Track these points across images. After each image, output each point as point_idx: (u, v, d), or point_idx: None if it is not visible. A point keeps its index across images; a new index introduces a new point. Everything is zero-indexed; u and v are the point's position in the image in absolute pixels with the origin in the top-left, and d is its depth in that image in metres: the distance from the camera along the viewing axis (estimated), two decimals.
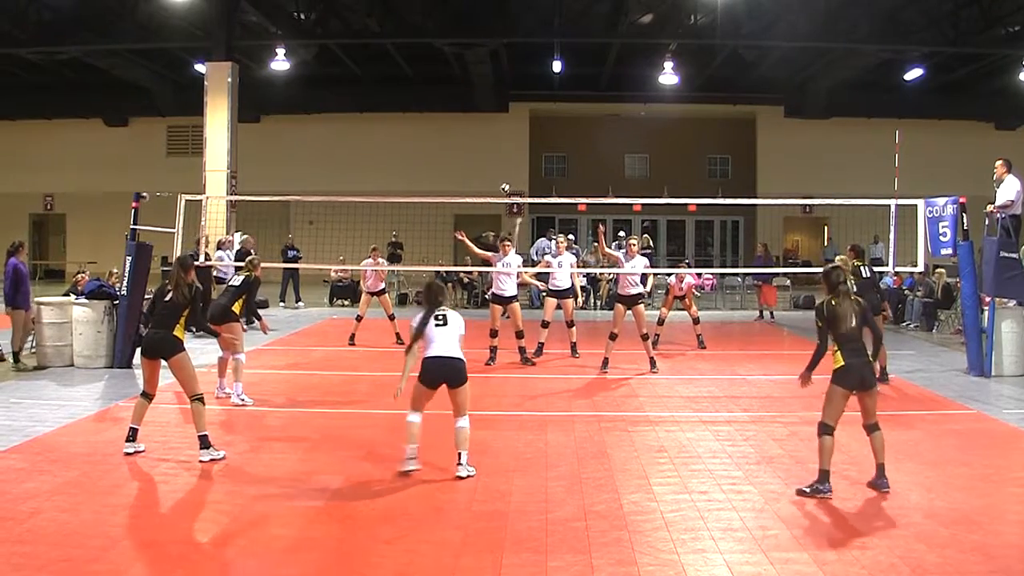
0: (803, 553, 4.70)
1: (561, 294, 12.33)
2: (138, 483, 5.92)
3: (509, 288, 11.42)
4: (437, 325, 6.34)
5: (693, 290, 14.01)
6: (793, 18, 19.21)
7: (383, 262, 12.50)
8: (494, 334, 11.28)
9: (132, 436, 6.67)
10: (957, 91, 25.42)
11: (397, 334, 12.80)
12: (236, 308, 8.92)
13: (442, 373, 6.20)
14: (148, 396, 6.78)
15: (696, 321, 13.33)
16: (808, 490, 5.71)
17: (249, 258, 9.70)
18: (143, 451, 6.65)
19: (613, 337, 10.78)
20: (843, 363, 5.87)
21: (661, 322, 13.19)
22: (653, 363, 10.83)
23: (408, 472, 6.13)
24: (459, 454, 6.15)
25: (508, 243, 11.60)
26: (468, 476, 6.05)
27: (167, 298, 6.81)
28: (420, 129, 27.10)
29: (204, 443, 6.51)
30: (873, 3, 19.06)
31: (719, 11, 18.99)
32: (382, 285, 13.60)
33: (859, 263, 9.76)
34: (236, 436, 7.45)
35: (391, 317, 13.15)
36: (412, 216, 18.95)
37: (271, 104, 25.82)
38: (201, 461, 6.43)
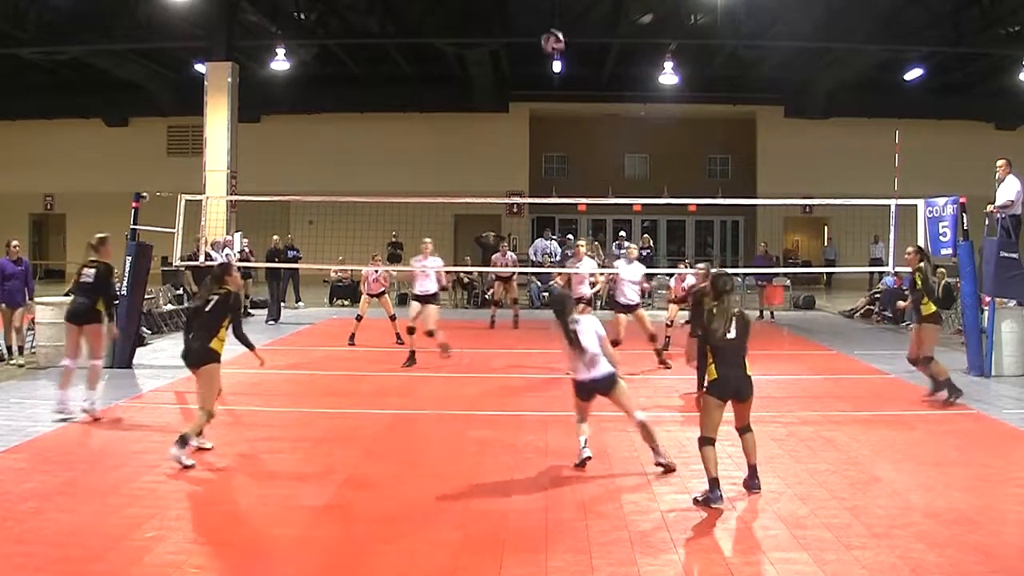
0: (803, 553, 4.70)
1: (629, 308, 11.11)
2: (138, 483, 5.91)
3: (431, 288, 11.37)
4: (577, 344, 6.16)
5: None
6: (793, 18, 19.20)
7: (435, 260, 12.02)
8: (411, 331, 11.17)
9: (184, 442, 6.30)
10: (957, 91, 25.42)
11: (397, 334, 12.77)
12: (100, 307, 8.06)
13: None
14: (711, 441, 5.86)
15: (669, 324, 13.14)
16: (701, 499, 5.52)
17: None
18: (192, 467, 6.25)
19: (616, 344, 10.54)
20: (716, 375, 5.77)
21: (671, 323, 12.87)
22: (664, 361, 10.71)
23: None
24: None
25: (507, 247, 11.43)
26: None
27: (208, 308, 6.67)
28: (420, 129, 27.08)
29: (183, 442, 6.25)
30: (873, 3, 19.05)
31: (719, 11, 18.98)
32: (383, 288, 13.52)
33: (922, 262, 9.27)
34: (236, 436, 7.45)
35: (392, 318, 13.10)
36: (412, 216, 18.94)
37: (271, 104, 25.80)
38: (170, 453, 6.20)
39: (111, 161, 26.95)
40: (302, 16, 20.70)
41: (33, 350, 11.19)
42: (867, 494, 5.77)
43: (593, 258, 10.97)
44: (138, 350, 11.30)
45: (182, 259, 12.91)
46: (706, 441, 5.70)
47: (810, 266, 25.11)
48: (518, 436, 7.38)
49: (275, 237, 17.63)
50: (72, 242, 27.94)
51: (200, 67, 20.03)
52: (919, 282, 8.99)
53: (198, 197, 13.43)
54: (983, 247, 10.74)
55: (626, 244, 21.05)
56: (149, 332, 13.56)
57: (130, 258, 11.02)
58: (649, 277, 11.08)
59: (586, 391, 6.34)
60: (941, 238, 11.12)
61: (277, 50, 20.48)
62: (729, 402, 5.86)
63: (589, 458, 6.30)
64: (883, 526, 5.12)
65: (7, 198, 27.44)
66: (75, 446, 6.95)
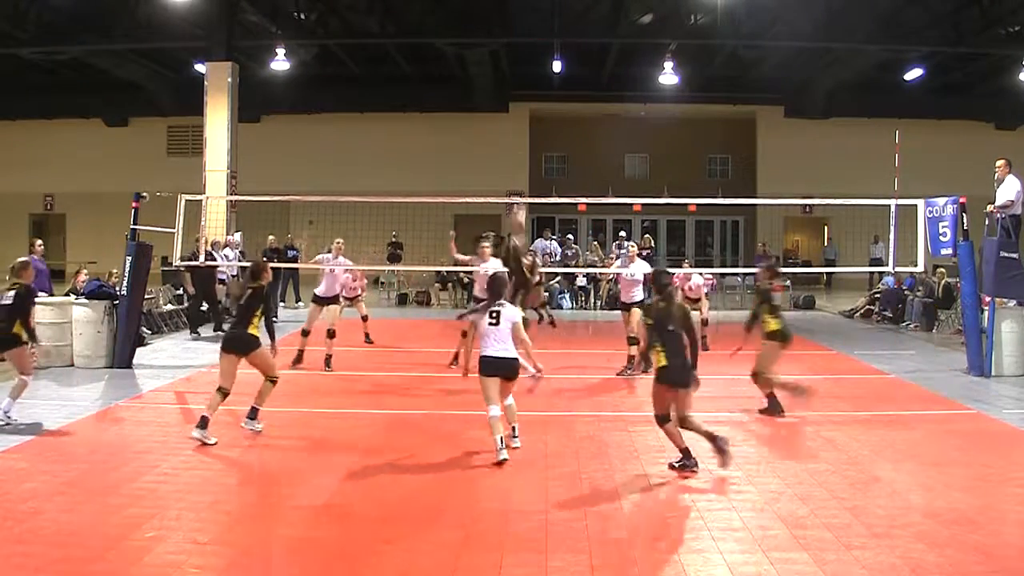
0: (803, 553, 4.70)
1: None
2: (138, 483, 5.91)
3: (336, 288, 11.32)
4: (491, 323, 6.69)
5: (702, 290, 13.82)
6: (793, 18, 19.19)
7: (344, 260, 11.65)
8: (332, 334, 10.88)
9: (203, 424, 6.96)
10: (957, 91, 25.41)
11: (367, 334, 12.76)
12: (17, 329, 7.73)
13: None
14: (224, 392, 7.09)
15: (705, 323, 13.21)
16: (677, 464, 6.28)
17: (255, 261, 9.09)
18: (213, 444, 6.87)
19: (633, 341, 10.44)
20: (665, 363, 6.32)
21: (705, 323, 12.78)
22: (631, 362, 10.58)
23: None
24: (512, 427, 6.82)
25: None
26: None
27: (242, 300, 7.50)
28: (420, 129, 27.07)
29: (252, 413, 7.38)
30: (873, 3, 19.04)
31: (719, 11, 18.98)
32: (360, 291, 12.96)
33: (773, 280, 9.13)
34: (236, 436, 7.45)
35: (364, 318, 12.97)
36: (412, 216, 18.93)
37: (271, 104, 25.80)
38: (242, 426, 7.30)
39: (111, 161, 26.94)
40: (302, 16, 20.70)
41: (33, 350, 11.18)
42: (867, 494, 5.78)
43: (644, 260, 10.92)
44: (138, 350, 11.29)
45: (182, 259, 12.89)
46: (661, 420, 6.37)
47: (810, 266, 25.09)
48: (518, 436, 7.36)
49: (271, 237, 17.61)
50: (72, 242, 27.96)
51: (200, 67, 20.03)
52: (760, 299, 8.79)
53: (198, 197, 13.41)
54: (983, 247, 10.74)
55: (627, 244, 21.09)
56: (149, 332, 13.56)
57: (130, 258, 11.01)
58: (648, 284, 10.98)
59: (493, 368, 6.65)
60: (941, 238, 11.11)
61: (277, 50, 20.48)
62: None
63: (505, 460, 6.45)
64: (883, 526, 5.12)
65: (7, 198, 27.44)
66: (75, 446, 6.95)
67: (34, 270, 8.37)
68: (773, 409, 8.46)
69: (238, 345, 7.29)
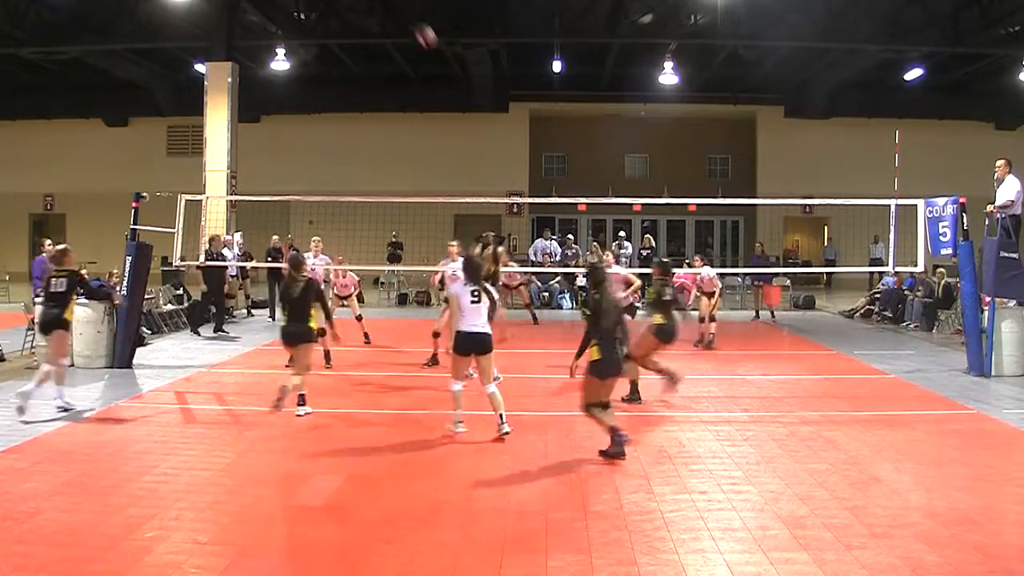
0: (803, 553, 4.70)
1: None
2: (138, 483, 5.91)
3: None
4: (473, 301, 7.21)
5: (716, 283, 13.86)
6: (793, 18, 19.20)
7: (324, 259, 11.78)
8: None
9: (303, 401, 8.00)
10: (957, 91, 25.41)
11: (365, 334, 12.76)
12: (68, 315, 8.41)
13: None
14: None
15: (712, 319, 13.31)
16: (610, 451, 6.48)
17: (292, 255, 9.41)
18: (311, 413, 7.96)
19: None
20: (599, 356, 6.56)
21: (712, 319, 13.25)
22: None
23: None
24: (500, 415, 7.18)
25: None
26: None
27: (297, 295, 8.03)
28: (420, 129, 27.08)
29: (301, 400, 8.00)
30: (873, 3, 19.05)
31: (719, 11, 18.98)
32: (352, 289, 12.91)
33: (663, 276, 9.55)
34: (236, 436, 7.45)
35: (358, 318, 12.96)
36: (412, 216, 18.95)
37: (271, 104, 25.80)
38: (297, 415, 7.89)
39: (111, 161, 26.95)
40: (302, 16, 20.69)
41: (33, 350, 11.19)
42: (867, 494, 5.78)
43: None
44: (138, 350, 11.30)
45: (183, 259, 12.91)
46: (591, 407, 6.63)
47: (810, 266, 25.09)
48: (518, 436, 7.37)
49: (275, 237, 17.62)
50: (72, 242, 27.92)
51: (200, 67, 20.03)
52: (652, 297, 9.44)
53: (198, 197, 13.42)
54: (983, 247, 10.74)
55: (626, 244, 21.11)
56: (149, 332, 13.56)
57: (130, 258, 11.01)
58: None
59: (470, 343, 7.22)
60: (941, 238, 11.11)
61: (277, 50, 20.48)
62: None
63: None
64: (883, 526, 5.12)
65: (7, 198, 27.45)
66: (75, 446, 6.95)
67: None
68: (633, 397, 8.95)
69: (295, 339, 8.09)
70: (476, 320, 7.21)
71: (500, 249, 9.76)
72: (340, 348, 11.73)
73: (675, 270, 13.82)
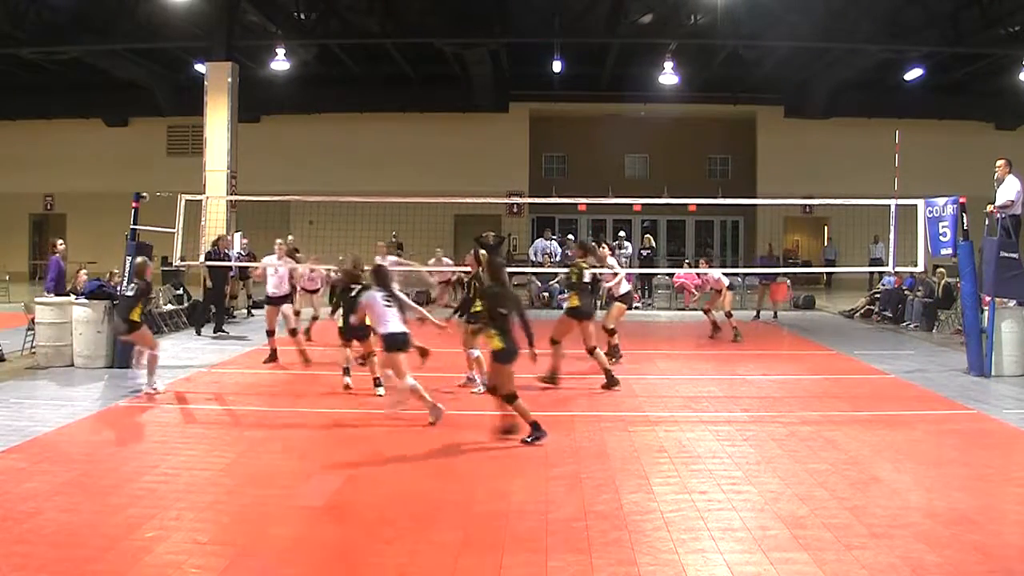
0: (803, 553, 4.70)
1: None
2: (138, 483, 5.91)
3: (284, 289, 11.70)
4: (386, 305, 7.78)
5: (693, 289, 14.37)
6: (793, 18, 19.19)
7: (288, 261, 12.10)
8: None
9: (378, 382, 8.89)
10: (957, 91, 25.40)
11: (308, 330, 12.89)
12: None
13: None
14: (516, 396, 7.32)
15: (729, 315, 14.01)
16: (529, 440, 6.91)
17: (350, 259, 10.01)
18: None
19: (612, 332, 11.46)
20: (503, 346, 6.99)
21: (729, 315, 14.00)
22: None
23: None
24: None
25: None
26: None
27: (353, 294, 8.86)
28: (420, 129, 27.07)
29: (377, 383, 8.92)
30: (873, 3, 19.05)
31: (719, 11, 18.97)
32: (319, 284, 13.04)
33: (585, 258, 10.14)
34: (236, 436, 7.45)
35: (314, 318, 13.15)
36: (412, 216, 18.92)
37: (271, 104, 25.79)
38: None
39: (111, 161, 26.94)
40: (302, 16, 20.69)
41: (33, 350, 11.19)
42: (867, 494, 5.77)
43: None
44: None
45: (183, 259, 12.92)
46: (509, 397, 7.02)
47: (810, 266, 25.09)
48: (518, 436, 7.37)
49: (291, 237, 17.60)
50: (72, 242, 27.94)
51: (200, 67, 20.02)
52: (574, 277, 9.84)
53: (198, 197, 13.41)
54: (983, 247, 10.74)
55: (626, 244, 21.13)
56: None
57: (130, 258, 11.00)
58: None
59: (399, 343, 7.76)
60: (941, 238, 11.11)
61: (277, 50, 20.47)
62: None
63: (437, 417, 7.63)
64: (883, 526, 5.12)
65: (7, 198, 27.43)
66: (75, 446, 6.95)
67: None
68: (551, 379, 9.53)
69: (359, 335, 9.10)
70: (397, 321, 7.77)
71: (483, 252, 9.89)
72: (336, 347, 11.71)
73: (675, 270, 13.98)
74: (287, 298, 11.66)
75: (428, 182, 24.94)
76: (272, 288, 11.52)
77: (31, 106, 26.88)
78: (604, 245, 14.30)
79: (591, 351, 9.60)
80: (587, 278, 9.87)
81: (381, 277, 8.14)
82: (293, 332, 11.36)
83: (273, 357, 11.25)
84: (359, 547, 4.90)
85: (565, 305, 9.73)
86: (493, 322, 7.12)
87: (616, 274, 11.73)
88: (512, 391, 7.04)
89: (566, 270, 19.62)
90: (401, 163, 26.60)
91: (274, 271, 11.55)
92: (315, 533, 5.08)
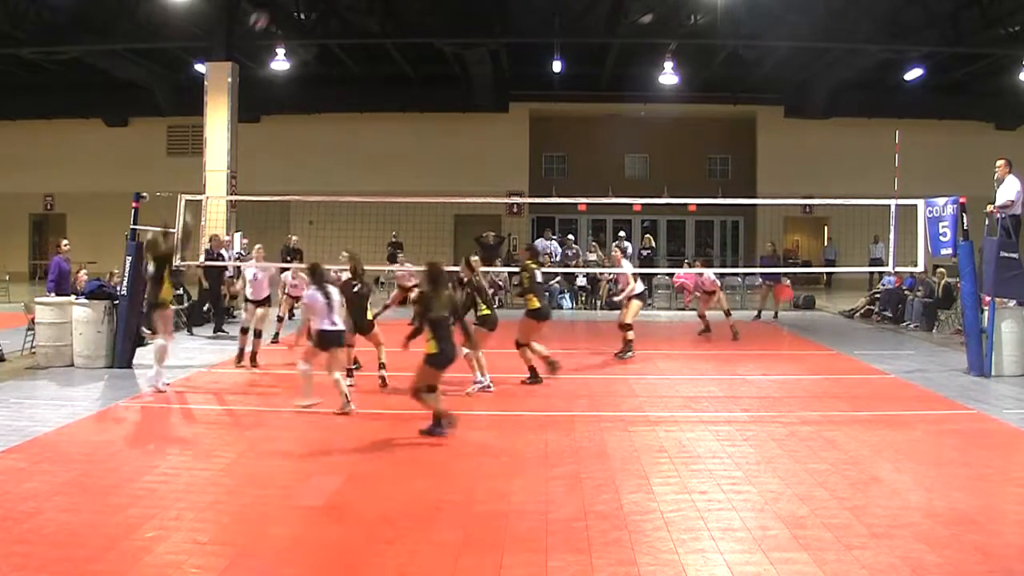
0: (803, 553, 4.70)
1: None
2: (138, 483, 5.91)
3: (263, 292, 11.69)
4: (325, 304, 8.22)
5: (693, 289, 14.66)
6: (793, 18, 19.18)
7: (261, 265, 11.99)
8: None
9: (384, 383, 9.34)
10: (957, 91, 25.39)
11: (277, 334, 12.93)
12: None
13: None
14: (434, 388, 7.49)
15: (728, 313, 14.46)
16: (426, 430, 7.11)
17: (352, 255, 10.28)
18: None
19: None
20: (436, 349, 7.16)
21: (728, 313, 14.46)
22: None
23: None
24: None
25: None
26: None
27: (356, 290, 9.17)
28: (420, 129, 27.07)
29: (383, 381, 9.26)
30: (873, 3, 19.04)
31: (719, 11, 18.96)
32: (267, 292, 12.15)
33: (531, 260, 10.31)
34: (236, 436, 7.45)
35: (279, 318, 13.21)
36: (412, 216, 18.94)
37: (271, 104, 25.77)
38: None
39: (111, 161, 26.92)
40: (302, 16, 20.68)
41: (33, 350, 11.19)
42: (867, 494, 5.77)
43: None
44: (138, 350, 11.29)
45: (183, 259, 12.93)
46: (429, 388, 7.19)
47: (810, 266, 25.09)
48: (518, 436, 7.38)
49: (295, 237, 17.62)
50: (72, 242, 27.87)
51: (200, 67, 20.02)
52: (526, 281, 9.96)
53: (198, 197, 13.41)
54: (983, 247, 10.74)
55: (626, 244, 21.13)
56: (149, 332, 13.54)
57: (130, 258, 11.01)
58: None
59: (332, 339, 8.24)
60: (941, 238, 11.11)
61: (277, 50, 20.47)
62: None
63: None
64: (883, 526, 5.12)
65: (7, 198, 27.42)
66: (75, 446, 6.95)
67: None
68: (534, 379, 9.73)
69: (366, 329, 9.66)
70: (331, 319, 8.24)
71: (475, 258, 9.92)
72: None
73: (675, 270, 14.06)
74: (267, 300, 11.68)
75: (428, 182, 24.93)
76: (250, 294, 11.56)
77: (31, 106, 26.87)
78: (618, 249, 14.74)
79: (520, 347, 9.76)
80: (539, 278, 10.05)
81: (317, 276, 8.48)
82: (244, 330, 11.23)
83: (240, 357, 11.14)
84: (359, 547, 4.90)
85: (528, 306, 9.88)
86: (429, 325, 7.25)
87: (632, 276, 12.31)
88: (422, 385, 7.20)
89: (566, 270, 19.87)
90: (401, 163, 26.59)
91: (252, 277, 11.58)
92: (315, 533, 5.08)
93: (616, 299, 13.90)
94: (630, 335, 11.97)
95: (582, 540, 4.89)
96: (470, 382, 9.34)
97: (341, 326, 8.37)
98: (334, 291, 8.48)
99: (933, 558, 4.62)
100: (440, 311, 7.30)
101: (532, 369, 9.77)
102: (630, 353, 11.87)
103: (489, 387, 9.27)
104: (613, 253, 13.35)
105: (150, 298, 9.83)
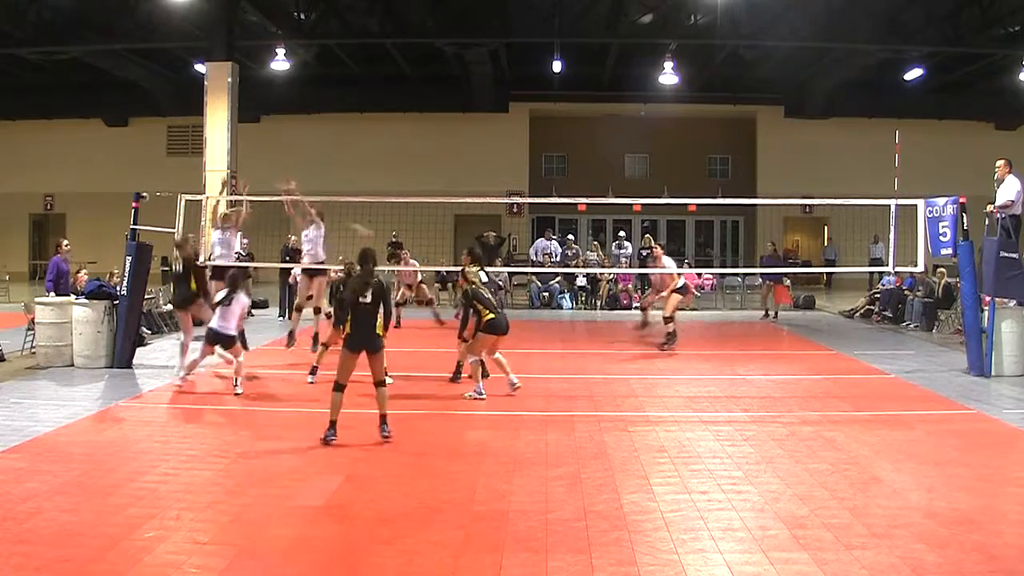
0: (803, 553, 4.70)
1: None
2: (138, 483, 5.91)
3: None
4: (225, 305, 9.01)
5: (693, 289, 14.46)
6: (793, 18, 19.19)
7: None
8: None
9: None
10: (957, 91, 25.39)
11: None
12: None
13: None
14: (341, 387, 7.16)
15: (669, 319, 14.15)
16: (323, 437, 6.95)
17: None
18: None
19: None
20: (349, 331, 7.13)
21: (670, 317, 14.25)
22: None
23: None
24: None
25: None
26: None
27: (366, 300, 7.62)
28: (420, 129, 27.06)
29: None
30: (873, 3, 19.04)
31: (719, 11, 18.96)
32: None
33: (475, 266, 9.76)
34: (236, 436, 7.45)
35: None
36: (412, 216, 18.93)
37: (271, 104, 25.77)
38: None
39: (111, 161, 26.93)
40: (302, 16, 20.69)
41: (33, 350, 11.19)
42: (867, 494, 5.78)
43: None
44: (138, 350, 11.30)
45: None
46: (337, 387, 7.06)
47: (810, 266, 25.09)
48: (518, 436, 7.38)
49: (293, 237, 17.63)
50: (72, 242, 27.84)
51: (200, 67, 20.01)
52: (469, 290, 9.18)
53: (198, 197, 13.41)
54: (983, 247, 10.74)
55: (626, 244, 21.14)
56: (149, 332, 13.56)
57: (130, 258, 11.01)
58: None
59: (215, 338, 9.04)
60: (941, 238, 11.10)
61: (277, 50, 20.47)
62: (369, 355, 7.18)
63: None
64: (883, 526, 5.12)
65: (7, 198, 27.42)
66: (75, 446, 6.95)
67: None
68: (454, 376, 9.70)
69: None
70: (225, 321, 8.99)
71: (470, 269, 9.56)
72: (336, 347, 11.73)
73: (677, 269, 13.97)
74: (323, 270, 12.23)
75: (428, 182, 24.94)
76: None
77: (31, 106, 26.86)
78: (658, 246, 15.05)
79: (462, 339, 9.52)
80: (485, 278, 9.55)
81: (232, 280, 9.27)
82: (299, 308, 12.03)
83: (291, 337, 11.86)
84: (359, 547, 4.90)
85: (481, 318, 9.01)
86: (349, 312, 7.28)
87: (676, 274, 12.98)
88: (339, 381, 7.09)
89: (566, 270, 19.87)
90: (401, 163, 26.59)
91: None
92: (315, 533, 5.08)
93: (659, 295, 13.67)
94: (671, 327, 12.72)
95: (582, 540, 4.89)
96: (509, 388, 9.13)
97: (231, 330, 9.09)
98: (243, 296, 9.31)
99: (933, 558, 4.62)
100: (367, 296, 7.17)
101: (458, 365, 9.73)
102: (675, 342, 12.64)
103: (482, 396, 8.94)
104: (655, 252, 13.70)
105: (177, 296, 10.32)
